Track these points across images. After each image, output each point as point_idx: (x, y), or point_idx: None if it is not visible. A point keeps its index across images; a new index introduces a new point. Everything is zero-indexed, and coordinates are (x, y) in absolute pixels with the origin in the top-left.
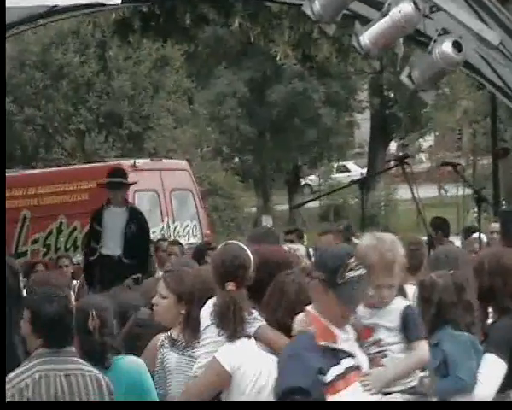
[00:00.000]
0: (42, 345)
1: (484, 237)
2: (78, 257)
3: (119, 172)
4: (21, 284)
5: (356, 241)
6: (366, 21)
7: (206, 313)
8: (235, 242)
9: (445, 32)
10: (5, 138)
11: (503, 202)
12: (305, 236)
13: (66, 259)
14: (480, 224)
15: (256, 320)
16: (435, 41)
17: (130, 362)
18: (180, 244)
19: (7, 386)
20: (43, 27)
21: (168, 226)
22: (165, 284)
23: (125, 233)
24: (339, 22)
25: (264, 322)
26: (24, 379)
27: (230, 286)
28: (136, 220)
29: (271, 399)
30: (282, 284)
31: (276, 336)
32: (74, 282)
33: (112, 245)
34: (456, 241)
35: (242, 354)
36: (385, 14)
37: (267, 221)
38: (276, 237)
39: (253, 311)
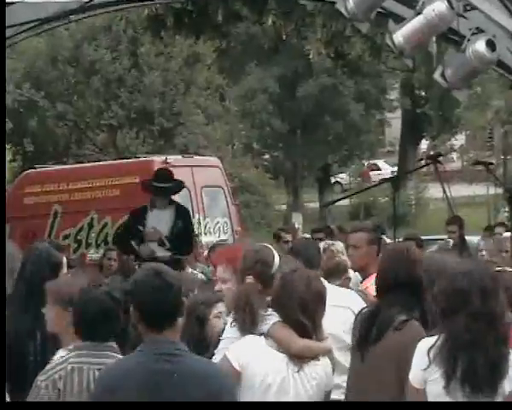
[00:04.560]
0: (80, 338)
1: None
2: (93, 253)
3: (166, 176)
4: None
5: (387, 240)
6: (400, 20)
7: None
8: (265, 244)
9: (479, 30)
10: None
11: None
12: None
13: (113, 252)
14: (511, 222)
15: (271, 317)
16: (469, 40)
17: None
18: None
19: (42, 377)
20: (75, 23)
21: (199, 223)
22: None
23: (171, 232)
24: (372, 20)
25: (279, 319)
26: (58, 371)
27: (249, 279)
28: (183, 218)
29: (278, 397)
30: (290, 280)
31: (287, 335)
32: None
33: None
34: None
35: (251, 351)
36: (419, 13)
37: (297, 219)
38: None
39: (269, 309)
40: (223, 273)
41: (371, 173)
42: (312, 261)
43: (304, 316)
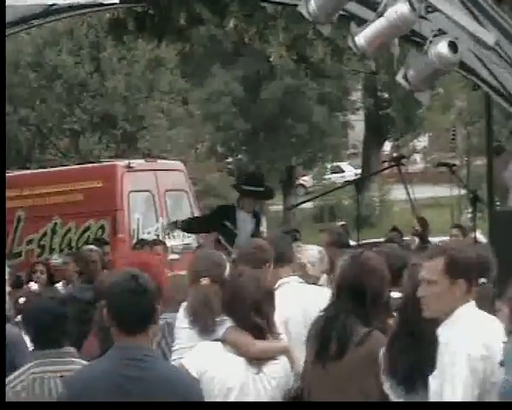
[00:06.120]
0: (36, 346)
1: (481, 238)
2: (56, 258)
3: (260, 181)
4: None
5: (352, 242)
6: (362, 22)
7: (181, 315)
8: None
9: (441, 32)
10: (5, 139)
11: (497, 203)
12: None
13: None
14: (475, 224)
15: (225, 321)
16: (431, 42)
17: None
18: (164, 244)
19: (7, 388)
20: (37, 28)
21: (163, 227)
22: None
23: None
24: (334, 23)
25: (232, 324)
26: (20, 382)
27: (205, 281)
28: (258, 222)
29: (239, 400)
30: (240, 284)
31: (244, 339)
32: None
33: None
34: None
35: (208, 357)
36: (380, 15)
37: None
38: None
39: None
40: None
41: (334, 176)
42: (283, 257)
43: (258, 317)
